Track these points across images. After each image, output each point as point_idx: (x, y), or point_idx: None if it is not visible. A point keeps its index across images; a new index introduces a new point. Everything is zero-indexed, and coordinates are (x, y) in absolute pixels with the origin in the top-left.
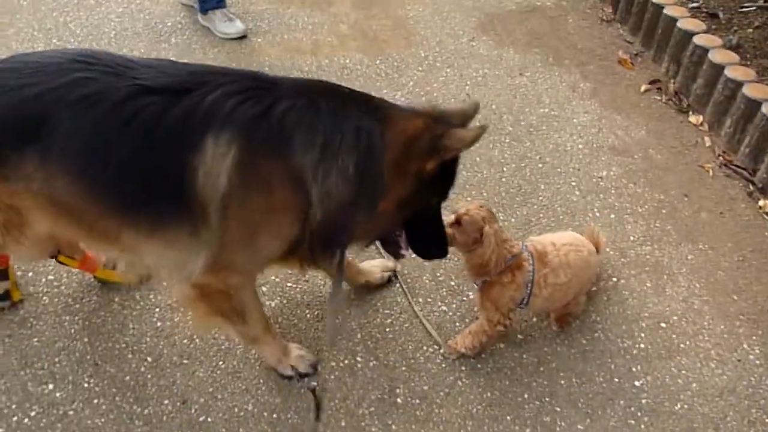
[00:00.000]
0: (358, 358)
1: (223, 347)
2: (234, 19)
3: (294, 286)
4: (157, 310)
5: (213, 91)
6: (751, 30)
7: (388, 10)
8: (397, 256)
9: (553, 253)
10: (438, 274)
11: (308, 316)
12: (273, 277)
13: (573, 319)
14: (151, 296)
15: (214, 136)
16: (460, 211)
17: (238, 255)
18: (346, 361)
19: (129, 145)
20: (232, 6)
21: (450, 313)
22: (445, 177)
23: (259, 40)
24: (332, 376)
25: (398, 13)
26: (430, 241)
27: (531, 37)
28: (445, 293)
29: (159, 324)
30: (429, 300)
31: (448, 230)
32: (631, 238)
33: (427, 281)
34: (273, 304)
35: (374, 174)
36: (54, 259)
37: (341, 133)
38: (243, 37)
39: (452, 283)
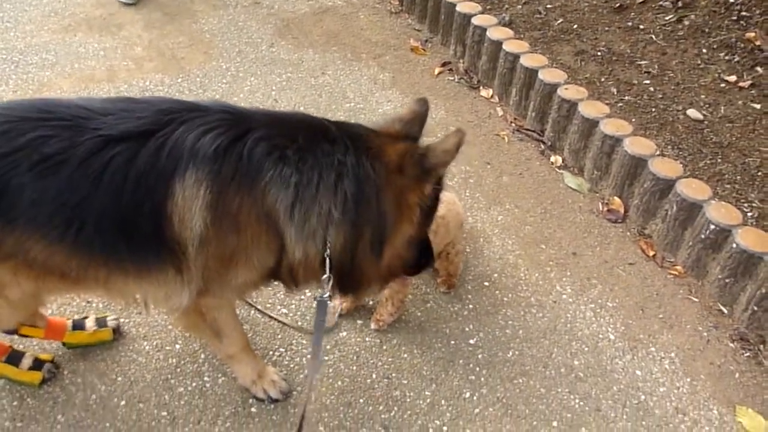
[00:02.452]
0: (206, 378)
1: (59, 399)
2: None
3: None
4: None
5: (176, 129)
6: (520, 6)
7: (182, 26)
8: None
9: None
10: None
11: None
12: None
13: (456, 280)
14: None
15: (180, 179)
16: None
17: (213, 283)
18: (194, 384)
19: (102, 202)
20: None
21: (291, 315)
22: (435, 196)
23: (48, 73)
24: (182, 402)
25: (193, 28)
26: (423, 256)
27: (328, 36)
28: (282, 296)
29: None
30: (268, 305)
31: None
32: None
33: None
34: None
35: (374, 217)
36: (15, 334)
37: (318, 172)
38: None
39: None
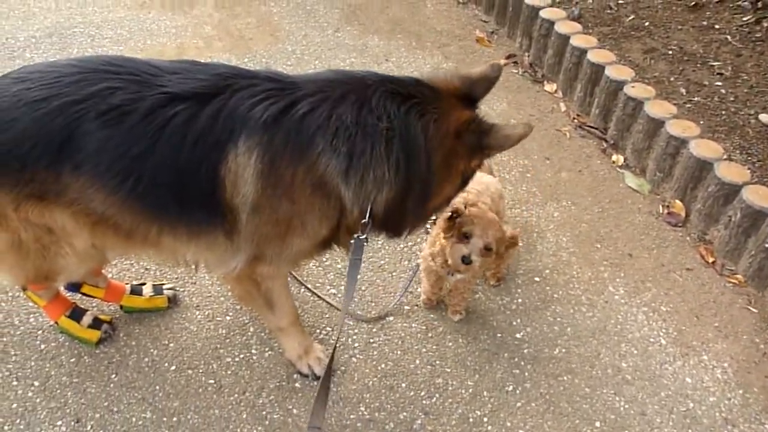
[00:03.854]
0: (253, 351)
1: (114, 360)
2: None
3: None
4: (40, 332)
5: (234, 95)
6: (590, 1)
7: (251, 8)
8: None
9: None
10: (325, 260)
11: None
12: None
13: (505, 272)
14: (32, 319)
15: (234, 144)
16: (486, 240)
17: (268, 250)
18: (241, 356)
19: (160, 156)
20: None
21: (339, 295)
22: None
23: (121, 48)
24: (228, 372)
25: (262, 10)
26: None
27: (393, 24)
28: (332, 277)
29: (43, 347)
30: (318, 285)
31: (475, 258)
32: None
33: (314, 267)
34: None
35: (423, 177)
36: (78, 292)
37: (371, 138)
38: None
39: (338, 266)
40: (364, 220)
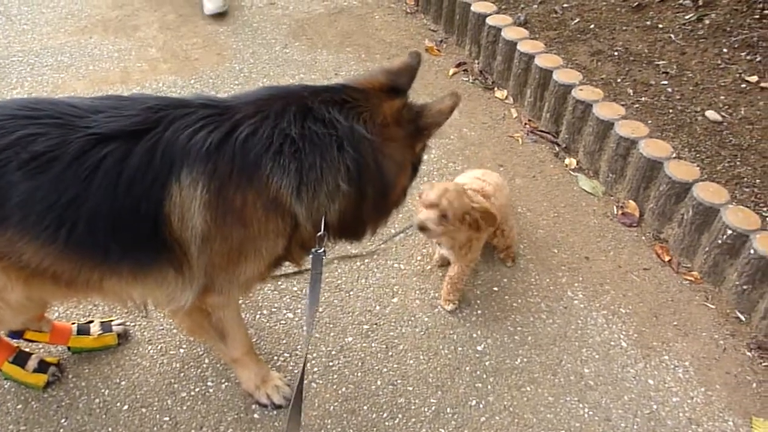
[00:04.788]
0: (209, 383)
1: (63, 403)
2: None
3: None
4: None
5: (167, 128)
6: (535, 6)
7: (197, 27)
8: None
9: (483, 185)
10: (279, 283)
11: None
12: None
13: (514, 250)
14: None
15: (177, 178)
16: (442, 205)
17: (219, 279)
18: (197, 389)
19: (94, 201)
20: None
21: (296, 319)
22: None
23: (62, 75)
24: (184, 407)
25: (208, 29)
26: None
27: (342, 37)
28: (288, 300)
29: None
30: (274, 309)
31: (433, 226)
32: None
33: (269, 291)
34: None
35: (376, 177)
36: (21, 338)
37: (319, 149)
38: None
39: (294, 288)
40: (319, 233)
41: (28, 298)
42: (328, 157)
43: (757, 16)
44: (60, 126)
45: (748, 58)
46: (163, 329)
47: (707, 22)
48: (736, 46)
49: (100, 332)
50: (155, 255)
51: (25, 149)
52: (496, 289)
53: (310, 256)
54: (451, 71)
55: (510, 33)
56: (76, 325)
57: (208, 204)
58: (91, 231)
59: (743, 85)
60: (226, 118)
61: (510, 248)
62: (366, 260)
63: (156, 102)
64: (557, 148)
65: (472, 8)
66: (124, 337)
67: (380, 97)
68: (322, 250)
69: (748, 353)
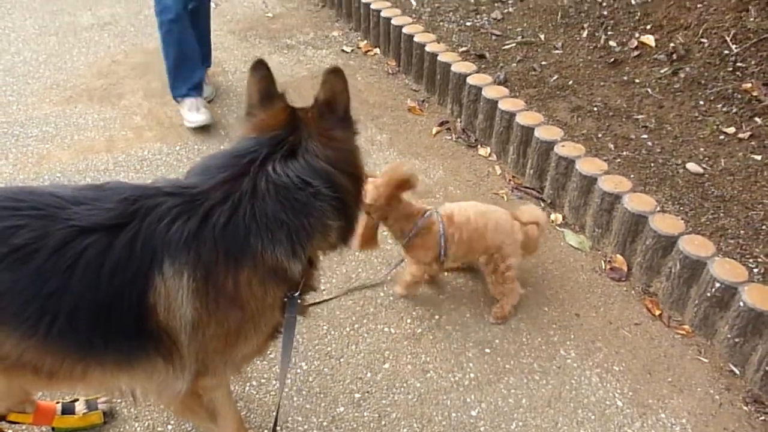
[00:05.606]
0: None
1: None
2: (201, 107)
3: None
4: None
5: (143, 221)
6: (514, 65)
7: None
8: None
9: (458, 213)
10: (269, 352)
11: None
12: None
13: (510, 308)
14: None
15: (159, 269)
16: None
17: (213, 362)
18: None
19: (76, 293)
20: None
21: (286, 390)
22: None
23: (47, 145)
24: None
25: None
26: None
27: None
28: (278, 370)
29: None
30: (263, 380)
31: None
32: (446, 273)
33: (258, 362)
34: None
35: (348, 193)
36: (2, 420)
37: (303, 212)
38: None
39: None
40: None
41: (8, 389)
42: (312, 212)
43: (731, 69)
44: (42, 217)
45: (725, 110)
46: (150, 405)
47: (682, 75)
48: (712, 98)
49: (86, 411)
50: (142, 345)
51: (5, 242)
52: (488, 350)
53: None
54: (434, 130)
55: (490, 92)
56: (60, 404)
57: (196, 292)
58: (73, 322)
59: (721, 137)
60: (197, 205)
61: (503, 296)
62: (356, 325)
63: (131, 192)
64: (542, 204)
65: (453, 68)
66: (110, 414)
67: (294, 120)
68: (297, 293)
69: (745, 407)
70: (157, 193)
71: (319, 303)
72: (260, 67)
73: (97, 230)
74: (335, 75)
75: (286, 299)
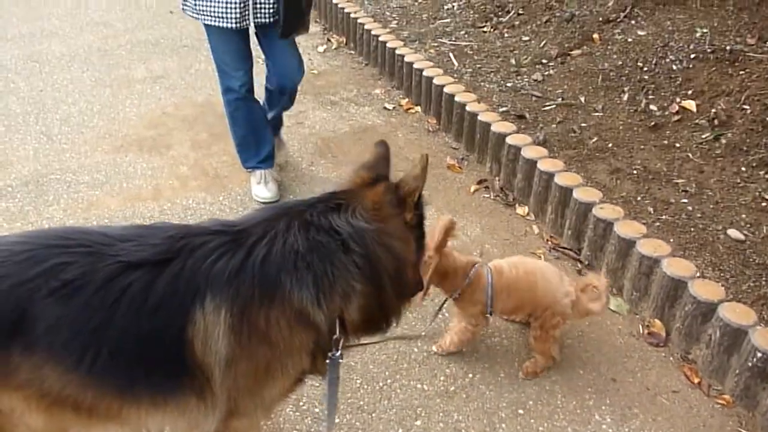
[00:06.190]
0: None
1: None
2: (269, 182)
3: None
4: None
5: (190, 256)
6: (554, 126)
7: (227, 146)
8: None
9: (507, 269)
10: (301, 403)
11: None
12: None
13: (542, 370)
14: None
15: (200, 304)
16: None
17: (245, 402)
18: None
19: (119, 328)
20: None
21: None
22: (419, 221)
23: (97, 192)
24: None
25: None
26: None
27: (366, 155)
28: (310, 422)
29: None
30: (297, 413)
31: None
32: (481, 332)
33: (291, 413)
34: None
35: (386, 263)
36: None
37: (328, 257)
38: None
39: (316, 410)
40: (335, 336)
41: (46, 427)
42: (336, 262)
43: None
44: (90, 254)
45: (767, 176)
46: None
47: (724, 141)
48: (754, 164)
49: None
50: (177, 381)
51: (55, 277)
52: (521, 411)
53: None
54: (473, 188)
55: (529, 152)
56: None
57: (232, 327)
58: (115, 357)
59: (763, 204)
60: (241, 243)
61: (541, 354)
62: (389, 380)
63: (176, 231)
64: (580, 265)
65: (492, 128)
66: None
67: (365, 189)
68: (339, 353)
69: None
70: (203, 232)
71: (351, 346)
72: (382, 145)
73: (142, 266)
74: (420, 162)
75: (327, 360)
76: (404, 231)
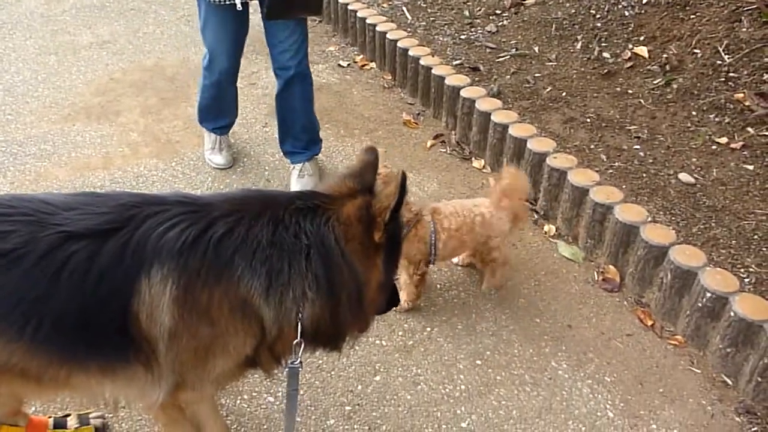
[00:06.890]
0: None
1: None
2: (224, 149)
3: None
4: None
5: (140, 226)
6: (508, 77)
7: (178, 110)
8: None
9: (444, 206)
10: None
11: None
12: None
13: (503, 276)
14: None
15: (146, 275)
16: None
17: (190, 375)
18: None
19: (62, 298)
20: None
21: (277, 403)
22: (393, 238)
23: (45, 163)
24: None
25: (189, 111)
26: (392, 297)
27: (321, 113)
28: (269, 383)
29: None
30: (254, 393)
31: None
32: (438, 285)
33: (250, 375)
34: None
35: (348, 280)
36: None
37: (288, 256)
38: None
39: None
40: (296, 341)
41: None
42: (296, 264)
43: (723, 79)
44: (31, 223)
45: (717, 120)
46: (141, 419)
47: (675, 86)
48: (704, 108)
49: (77, 425)
50: (123, 352)
51: None
52: (479, 362)
53: (286, 369)
54: (429, 143)
55: (484, 104)
56: (52, 418)
57: (176, 300)
58: (58, 328)
59: (714, 147)
60: (203, 215)
61: (493, 271)
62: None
63: (129, 199)
64: (536, 216)
65: (447, 81)
66: (102, 430)
67: (345, 199)
68: (298, 361)
69: (737, 418)
70: (162, 201)
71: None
72: (371, 152)
73: (87, 236)
74: (394, 179)
75: (286, 368)
76: (370, 252)
